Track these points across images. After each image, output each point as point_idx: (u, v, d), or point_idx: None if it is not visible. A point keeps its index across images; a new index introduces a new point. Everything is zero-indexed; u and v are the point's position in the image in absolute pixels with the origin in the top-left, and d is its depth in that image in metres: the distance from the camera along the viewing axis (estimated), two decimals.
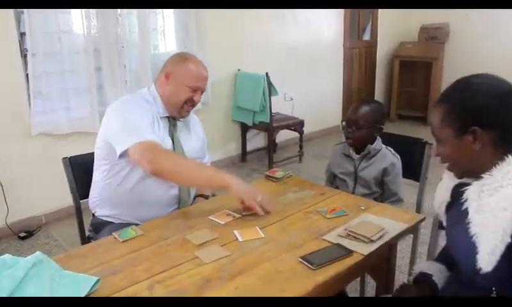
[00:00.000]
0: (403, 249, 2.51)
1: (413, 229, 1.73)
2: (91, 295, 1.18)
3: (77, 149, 2.07)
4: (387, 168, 1.99)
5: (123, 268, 1.32)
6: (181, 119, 1.94)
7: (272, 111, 4.35)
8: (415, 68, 6.11)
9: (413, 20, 6.06)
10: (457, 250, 1.17)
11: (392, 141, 2.10)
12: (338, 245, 1.38)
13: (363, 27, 6.07)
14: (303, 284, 1.22)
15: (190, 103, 1.86)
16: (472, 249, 1.05)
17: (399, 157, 2.03)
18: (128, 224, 1.66)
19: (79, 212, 1.97)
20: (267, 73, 4.22)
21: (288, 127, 4.65)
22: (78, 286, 1.18)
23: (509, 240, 0.99)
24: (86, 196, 1.94)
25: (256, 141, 4.97)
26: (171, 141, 1.85)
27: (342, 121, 2.09)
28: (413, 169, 2.06)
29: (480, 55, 5.55)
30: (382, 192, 2.03)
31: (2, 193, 3.12)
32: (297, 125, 4.64)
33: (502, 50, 5.49)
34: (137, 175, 1.77)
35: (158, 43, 4.11)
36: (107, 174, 1.82)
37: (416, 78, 6.21)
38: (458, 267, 1.19)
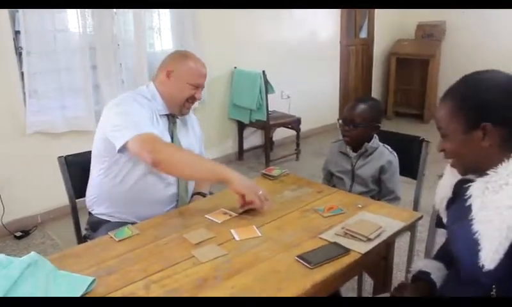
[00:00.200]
0: (400, 246, 2.51)
1: (411, 227, 1.73)
2: (87, 296, 1.17)
3: (73, 148, 2.05)
4: (384, 166, 1.99)
5: (119, 267, 1.31)
6: (179, 117, 1.94)
7: (269, 109, 4.34)
8: (411, 65, 6.11)
9: (410, 17, 6.06)
10: (458, 246, 1.15)
11: (389, 138, 2.09)
12: (336, 243, 1.38)
13: (359, 24, 6.06)
14: (300, 283, 1.21)
15: (191, 100, 1.88)
16: (474, 246, 1.04)
17: (396, 154, 2.03)
18: (125, 223, 1.66)
19: (74, 211, 1.96)
20: (263, 71, 4.21)
21: (285, 125, 4.64)
22: (73, 286, 1.17)
23: None
24: (82, 195, 1.94)
25: (253, 139, 4.96)
26: (170, 139, 1.85)
27: (338, 119, 2.08)
28: (410, 166, 2.06)
29: (477, 53, 5.55)
30: (379, 190, 2.03)
31: None
32: (294, 123, 4.63)
33: (498, 47, 5.49)
34: (138, 172, 1.77)
35: (154, 41, 4.09)
36: (105, 171, 1.81)
37: (413, 76, 6.22)
38: (458, 264, 1.18)
